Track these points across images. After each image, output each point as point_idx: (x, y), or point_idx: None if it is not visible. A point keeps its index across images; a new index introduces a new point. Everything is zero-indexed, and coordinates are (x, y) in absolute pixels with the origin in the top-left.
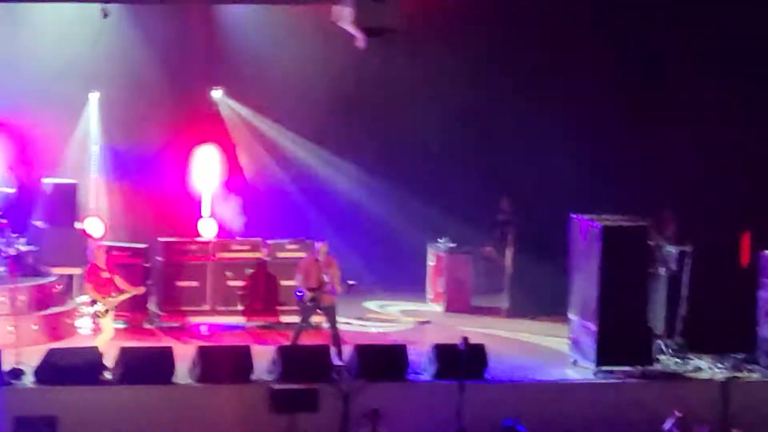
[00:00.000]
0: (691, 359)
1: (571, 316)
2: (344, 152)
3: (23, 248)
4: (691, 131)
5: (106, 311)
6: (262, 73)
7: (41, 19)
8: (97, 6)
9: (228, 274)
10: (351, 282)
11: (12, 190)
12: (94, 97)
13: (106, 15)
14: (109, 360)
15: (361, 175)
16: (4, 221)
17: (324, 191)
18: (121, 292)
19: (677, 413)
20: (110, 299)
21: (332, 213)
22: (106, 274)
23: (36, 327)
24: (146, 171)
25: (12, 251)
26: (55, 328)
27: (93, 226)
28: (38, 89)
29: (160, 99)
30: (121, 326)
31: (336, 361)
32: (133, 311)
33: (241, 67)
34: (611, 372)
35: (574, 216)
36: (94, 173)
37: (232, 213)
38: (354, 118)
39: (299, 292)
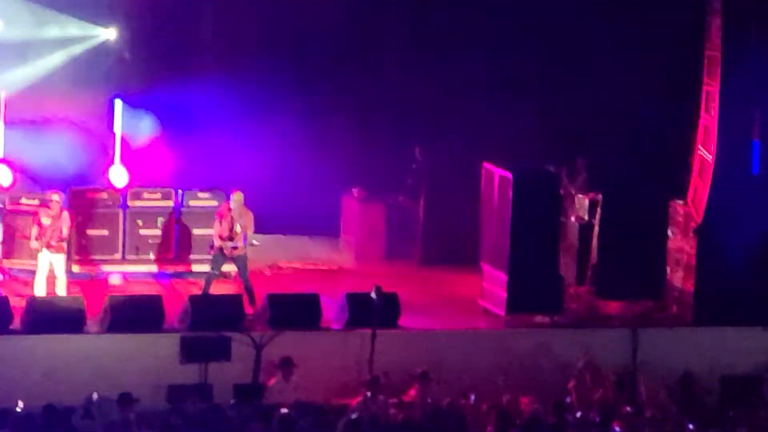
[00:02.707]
0: (601, 307)
1: (483, 264)
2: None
3: None
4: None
5: None
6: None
7: None
8: None
9: (139, 222)
10: (255, 243)
11: None
12: None
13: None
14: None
15: (277, 123)
16: None
17: (239, 138)
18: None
19: (585, 358)
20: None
21: (247, 162)
22: None
23: None
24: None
25: None
26: None
27: (2, 173)
28: None
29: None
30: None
31: (248, 311)
32: None
33: None
34: (522, 320)
35: (486, 164)
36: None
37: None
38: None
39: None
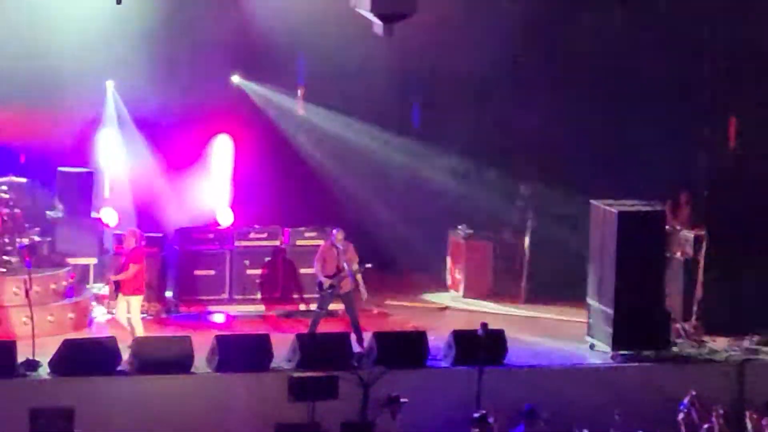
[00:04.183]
0: (707, 342)
1: (589, 300)
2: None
3: (37, 238)
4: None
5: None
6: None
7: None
8: None
9: (246, 262)
10: (368, 265)
11: (24, 180)
12: (110, 85)
13: (119, 1)
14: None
15: (381, 160)
16: (18, 211)
17: (344, 179)
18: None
19: (693, 392)
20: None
21: (352, 199)
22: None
23: (51, 318)
24: (163, 159)
25: (26, 241)
26: (71, 318)
27: (108, 215)
28: (54, 77)
29: (179, 86)
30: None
31: (355, 348)
32: (150, 300)
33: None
34: (628, 356)
35: (593, 201)
36: (109, 162)
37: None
38: (377, 105)
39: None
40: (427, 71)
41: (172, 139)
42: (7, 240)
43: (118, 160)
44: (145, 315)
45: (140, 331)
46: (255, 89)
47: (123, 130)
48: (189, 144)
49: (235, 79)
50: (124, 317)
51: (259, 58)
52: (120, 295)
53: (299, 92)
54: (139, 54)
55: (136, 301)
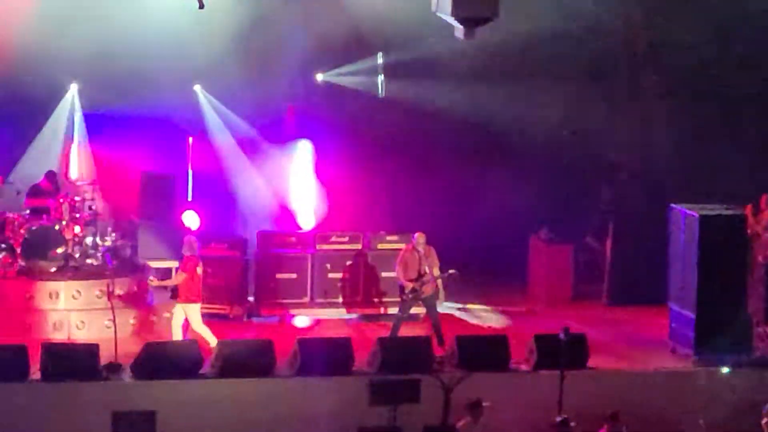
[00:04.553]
0: None
1: (671, 304)
2: (444, 143)
3: (120, 241)
4: None
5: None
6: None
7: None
8: None
9: (327, 266)
10: (451, 271)
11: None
12: (198, 89)
13: (201, 6)
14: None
15: (462, 165)
16: (101, 214)
17: (425, 182)
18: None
19: None
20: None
21: (433, 203)
22: (200, 270)
23: (133, 321)
24: (244, 164)
25: (108, 244)
26: (153, 321)
27: (190, 218)
28: (138, 80)
29: (261, 90)
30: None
31: (437, 352)
32: (232, 304)
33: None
34: (710, 360)
35: (673, 205)
36: (195, 165)
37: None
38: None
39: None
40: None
41: (255, 141)
42: (90, 242)
43: (206, 163)
44: (227, 318)
45: (211, 339)
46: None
47: (212, 134)
48: (272, 146)
49: (319, 77)
50: (177, 326)
51: (341, 57)
52: (177, 303)
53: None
54: (225, 56)
55: (192, 310)
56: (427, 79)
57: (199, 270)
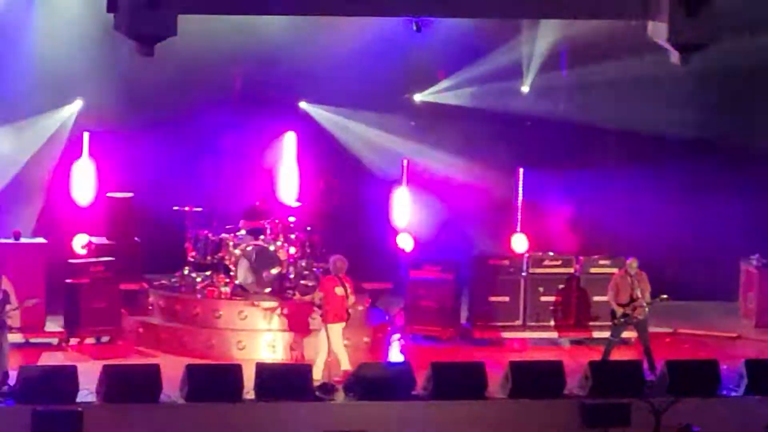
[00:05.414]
0: None
1: None
2: (650, 166)
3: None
4: None
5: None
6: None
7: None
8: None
9: (540, 289)
10: (663, 296)
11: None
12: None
13: (419, 29)
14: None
15: (671, 188)
16: (316, 237)
17: (632, 206)
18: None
19: None
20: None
21: (642, 227)
22: (340, 291)
23: (348, 342)
24: (455, 186)
25: (323, 265)
26: (366, 342)
27: (405, 241)
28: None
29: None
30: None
31: (648, 376)
32: (445, 326)
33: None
34: None
35: None
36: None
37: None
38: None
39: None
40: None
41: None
42: (304, 265)
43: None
44: (440, 340)
45: (344, 361)
46: None
47: (425, 156)
48: (485, 170)
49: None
50: (321, 344)
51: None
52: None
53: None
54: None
55: (333, 330)
56: (642, 100)
57: (339, 290)
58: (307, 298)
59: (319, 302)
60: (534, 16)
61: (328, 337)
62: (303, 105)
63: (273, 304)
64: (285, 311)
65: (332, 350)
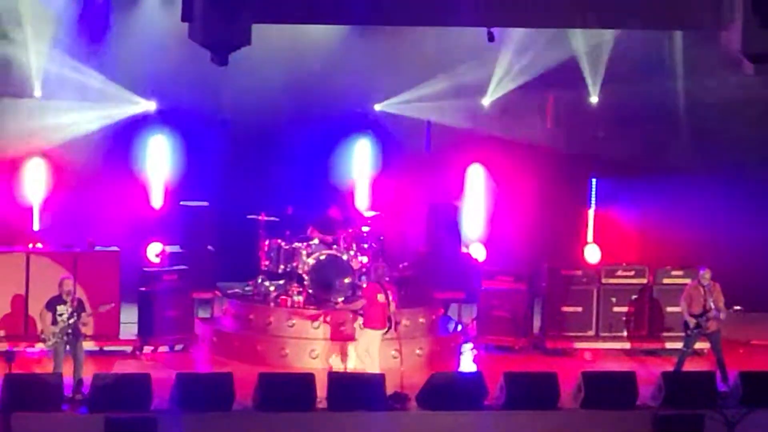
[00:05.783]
0: None
1: None
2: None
3: (407, 272)
4: None
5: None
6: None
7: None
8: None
9: (613, 299)
10: (737, 308)
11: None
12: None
13: (492, 39)
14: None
15: (745, 198)
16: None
17: (705, 216)
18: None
19: None
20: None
21: (715, 237)
22: (382, 298)
23: (420, 352)
24: (529, 197)
25: (396, 275)
26: (439, 352)
27: (477, 250)
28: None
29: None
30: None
31: (721, 387)
32: (517, 336)
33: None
34: None
35: None
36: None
37: None
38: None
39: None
40: None
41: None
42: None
43: (483, 194)
44: (512, 350)
45: (374, 367)
46: None
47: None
48: (563, 180)
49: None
50: (360, 350)
51: None
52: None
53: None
54: None
55: (370, 336)
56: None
57: (380, 297)
58: (350, 306)
59: (361, 310)
60: (612, 26)
61: (365, 343)
62: (378, 108)
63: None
64: (328, 319)
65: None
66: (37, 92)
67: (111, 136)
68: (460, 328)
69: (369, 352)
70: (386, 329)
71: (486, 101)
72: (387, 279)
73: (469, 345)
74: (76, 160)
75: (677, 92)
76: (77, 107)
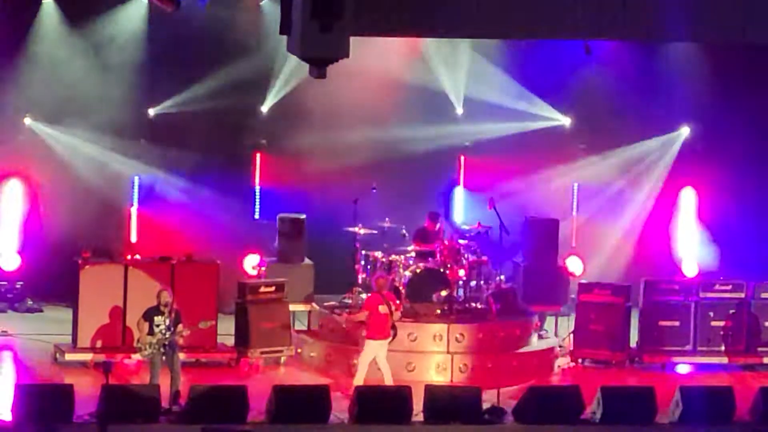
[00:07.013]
0: None
1: None
2: None
3: (505, 285)
4: None
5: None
6: None
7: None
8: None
9: (710, 314)
10: None
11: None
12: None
13: (588, 51)
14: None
15: None
16: (485, 258)
17: None
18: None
19: None
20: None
21: None
22: (383, 309)
23: (515, 364)
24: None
25: (493, 288)
26: (536, 365)
27: (574, 264)
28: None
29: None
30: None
31: None
32: (614, 350)
33: None
34: None
35: None
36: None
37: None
38: None
39: None
40: None
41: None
42: (474, 286)
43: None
44: (609, 364)
45: (388, 377)
46: None
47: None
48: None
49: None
50: (363, 360)
51: None
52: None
53: None
54: None
55: (374, 346)
56: None
57: (382, 308)
58: (353, 318)
59: (365, 320)
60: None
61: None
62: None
63: (443, 326)
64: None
65: (374, 366)
66: None
67: None
68: (557, 341)
69: (378, 363)
70: (390, 339)
71: None
72: (387, 290)
73: (566, 359)
74: None
75: None
76: None
